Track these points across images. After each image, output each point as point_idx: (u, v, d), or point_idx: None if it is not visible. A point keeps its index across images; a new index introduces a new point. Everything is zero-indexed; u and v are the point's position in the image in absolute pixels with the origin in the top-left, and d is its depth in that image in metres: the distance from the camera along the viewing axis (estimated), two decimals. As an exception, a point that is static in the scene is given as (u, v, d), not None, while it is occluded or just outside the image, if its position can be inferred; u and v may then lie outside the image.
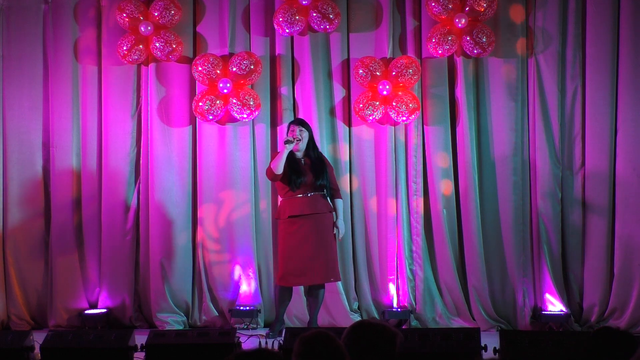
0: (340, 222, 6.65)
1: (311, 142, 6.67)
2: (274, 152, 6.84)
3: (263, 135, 7.29)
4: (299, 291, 6.95)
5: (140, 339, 5.73)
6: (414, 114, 7.03)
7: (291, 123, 6.72)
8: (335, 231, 6.63)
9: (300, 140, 6.55)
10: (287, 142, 6.48)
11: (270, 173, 6.53)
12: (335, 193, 6.69)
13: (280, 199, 6.69)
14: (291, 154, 6.55)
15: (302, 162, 6.60)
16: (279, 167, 6.45)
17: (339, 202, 6.70)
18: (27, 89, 7.37)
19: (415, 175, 7.19)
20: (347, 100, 7.27)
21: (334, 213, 6.65)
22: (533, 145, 7.11)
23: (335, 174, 7.13)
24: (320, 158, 6.67)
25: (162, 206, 7.28)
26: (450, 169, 7.18)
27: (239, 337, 5.84)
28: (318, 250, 6.48)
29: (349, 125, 7.28)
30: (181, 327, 7.16)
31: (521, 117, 7.11)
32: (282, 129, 7.20)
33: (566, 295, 7.08)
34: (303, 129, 6.61)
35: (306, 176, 6.53)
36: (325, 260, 6.50)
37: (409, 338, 5.48)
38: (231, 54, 7.22)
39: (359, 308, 7.24)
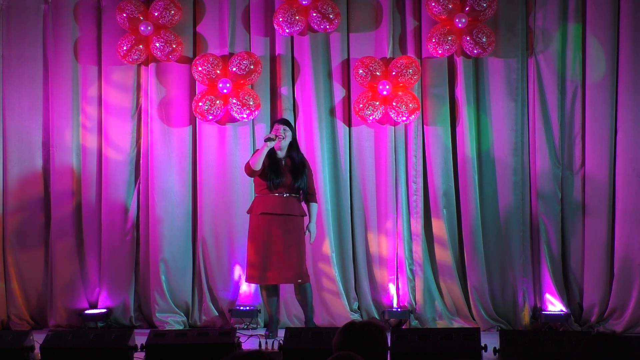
0: (313, 226, 6.67)
1: (294, 144, 6.68)
2: (256, 151, 6.81)
3: (263, 135, 7.28)
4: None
5: (140, 339, 5.73)
6: (414, 114, 7.03)
7: (276, 122, 6.73)
8: (307, 234, 6.64)
9: (283, 138, 6.55)
10: (268, 139, 6.49)
11: (248, 169, 6.54)
12: (311, 197, 6.68)
13: (255, 194, 6.70)
14: (273, 154, 6.56)
15: (283, 162, 6.60)
16: (258, 164, 6.46)
17: (314, 206, 6.71)
18: (27, 89, 7.37)
19: (415, 175, 7.19)
20: (347, 100, 7.27)
21: (305, 217, 6.65)
22: (533, 145, 7.11)
23: (336, 174, 7.15)
24: (302, 161, 6.67)
25: (162, 206, 7.27)
26: (450, 169, 7.17)
27: (239, 337, 5.85)
28: (284, 250, 6.47)
29: (349, 125, 7.28)
30: (181, 327, 7.15)
31: (521, 117, 7.10)
32: (279, 129, 7.18)
33: (566, 295, 7.08)
34: (287, 128, 6.62)
35: (285, 177, 6.53)
36: (292, 261, 6.49)
37: (409, 338, 5.49)
38: (231, 54, 7.22)
39: (359, 308, 7.24)
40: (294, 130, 6.75)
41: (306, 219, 6.67)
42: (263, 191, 6.56)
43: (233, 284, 7.27)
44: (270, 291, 6.65)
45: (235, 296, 7.26)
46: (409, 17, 7.22)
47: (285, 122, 6.70)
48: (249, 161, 6.56)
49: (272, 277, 6.53)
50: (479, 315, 7.08)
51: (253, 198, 7.23)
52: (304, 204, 6.67)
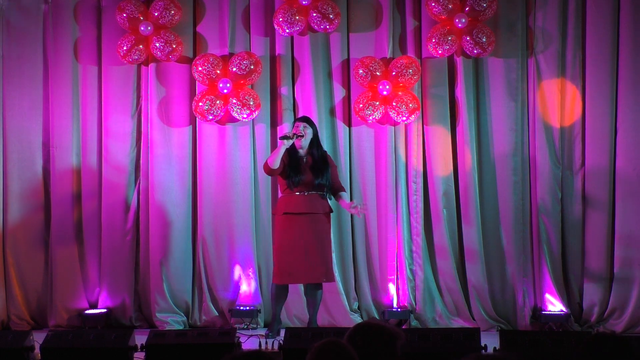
0: (354, 202, 6.64)
1: (315, 141, 6.64)
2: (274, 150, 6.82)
3: (263, 135, 7.29)
4: (298, 291, 6.95)
5: (140, 339, 5.73)
6: (414, 114, 7.03)
7: (296, 119, 6.73)
8: (358, 205, 6.55)
9: (302, 136, 6.52)
10: (283, 137, 6.47)
11: (266, 167, 6.53)
12: (338, 189, 6.66)
13: (279, 194, 6.71)
14: (295, 151, 6.55)
15: (304, 160, 6.58)
16: (275, 162, 6.44)
17: (345, 193, 6.67)
18: (27, 89, 7.37)
19: (415, 175, 7.20)
20: (347, 100, 7.27)
21: (331, 214, 6.65)
22: (533, 145, 7.11)
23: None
24: (323, 157, 6.64)
25: (162, 206, 7.28)
26: (450, 169, 7.17)
27: (239, 337, 5.84)
28: (311, 250, 6.46)
29: (349, 125, 7.28)
30: (181, 327, 7.16)
31: (521, 117, 7.11)
32: (282, 129, 7.20)
33: (566, 295, 7.08)
34: (307, 125, 6.59)
35: (305, 175, 6.51)
36: (318, 260, 6.47)
37: (409, 338, 5.48)
38: (231, 54, 7.22)
39: (359, 308, 7.24)
40: (315, 127, 6.69)
41: (332, 216, 6.65)
42: (285, 191, 6.55)
43: (233, 284, 7.27)
44: (282, 291, 6.63)
45: (235, 296, 7.26)
46: (409, 17, 7.23)
47: (306, 120, 6.67)
48: (267, 160, 6.54)
49: (297, 277, 6.52)
50: (479, 315, 7.08)
51: (254, 198, 7.27)
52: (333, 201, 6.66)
